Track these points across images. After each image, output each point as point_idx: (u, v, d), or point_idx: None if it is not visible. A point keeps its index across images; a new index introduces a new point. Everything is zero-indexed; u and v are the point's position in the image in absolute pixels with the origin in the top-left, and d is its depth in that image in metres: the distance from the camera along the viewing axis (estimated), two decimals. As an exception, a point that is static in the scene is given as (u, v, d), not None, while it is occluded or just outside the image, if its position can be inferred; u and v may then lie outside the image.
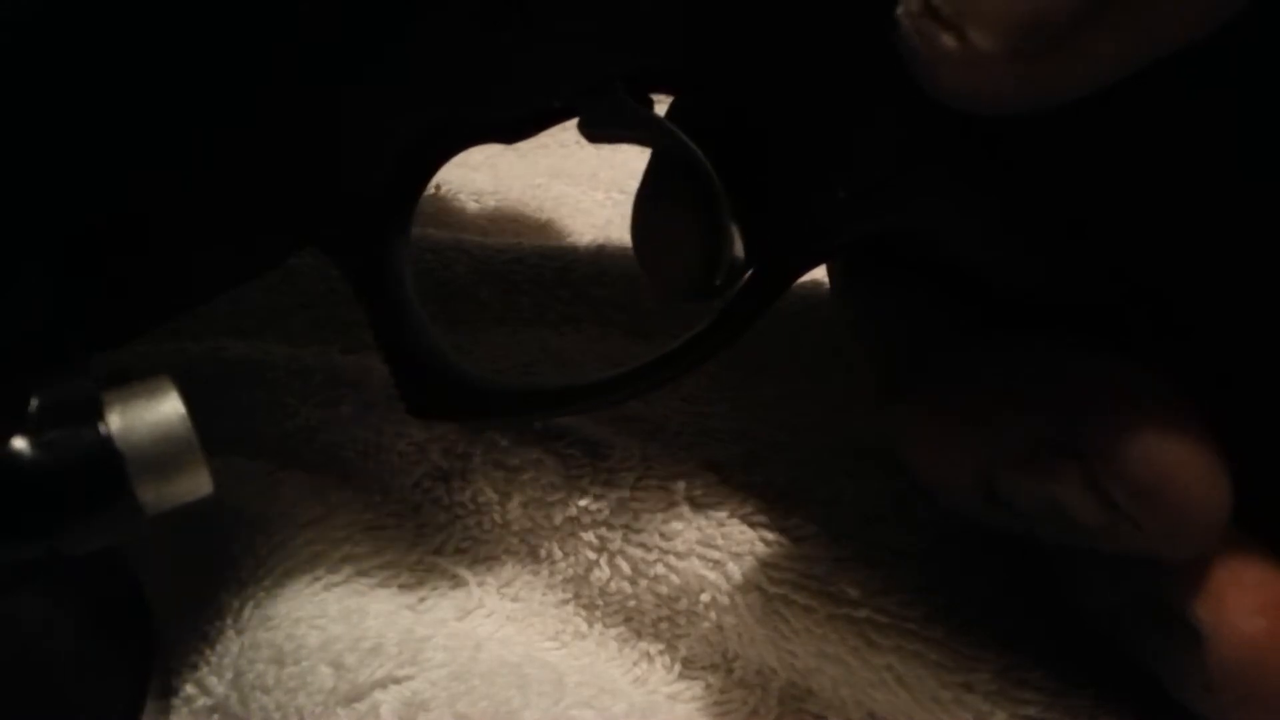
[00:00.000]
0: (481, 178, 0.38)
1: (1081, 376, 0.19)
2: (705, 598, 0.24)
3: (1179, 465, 0.18)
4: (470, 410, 0.24)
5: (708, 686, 0.24)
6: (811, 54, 0.20)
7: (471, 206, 0.38)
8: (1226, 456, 0.18)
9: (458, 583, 0.25)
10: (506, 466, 0.26)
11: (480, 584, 0.25)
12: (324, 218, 0.23)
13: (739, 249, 0.21)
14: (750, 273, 0.22)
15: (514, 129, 0.23)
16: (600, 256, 0.32)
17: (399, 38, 0.21)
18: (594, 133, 0.23)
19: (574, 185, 0.37)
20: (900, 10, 0.17)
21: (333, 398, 0.28)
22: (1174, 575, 0.19)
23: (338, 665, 0.22)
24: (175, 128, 0.21)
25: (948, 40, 0.17)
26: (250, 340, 0.30)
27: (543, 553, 0.26)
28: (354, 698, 0.22)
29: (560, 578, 0.25)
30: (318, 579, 0.24)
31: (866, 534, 0.24)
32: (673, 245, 0.23)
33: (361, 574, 0.25)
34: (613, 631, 0.25)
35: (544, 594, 0.25)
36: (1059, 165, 0.18)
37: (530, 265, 0.32)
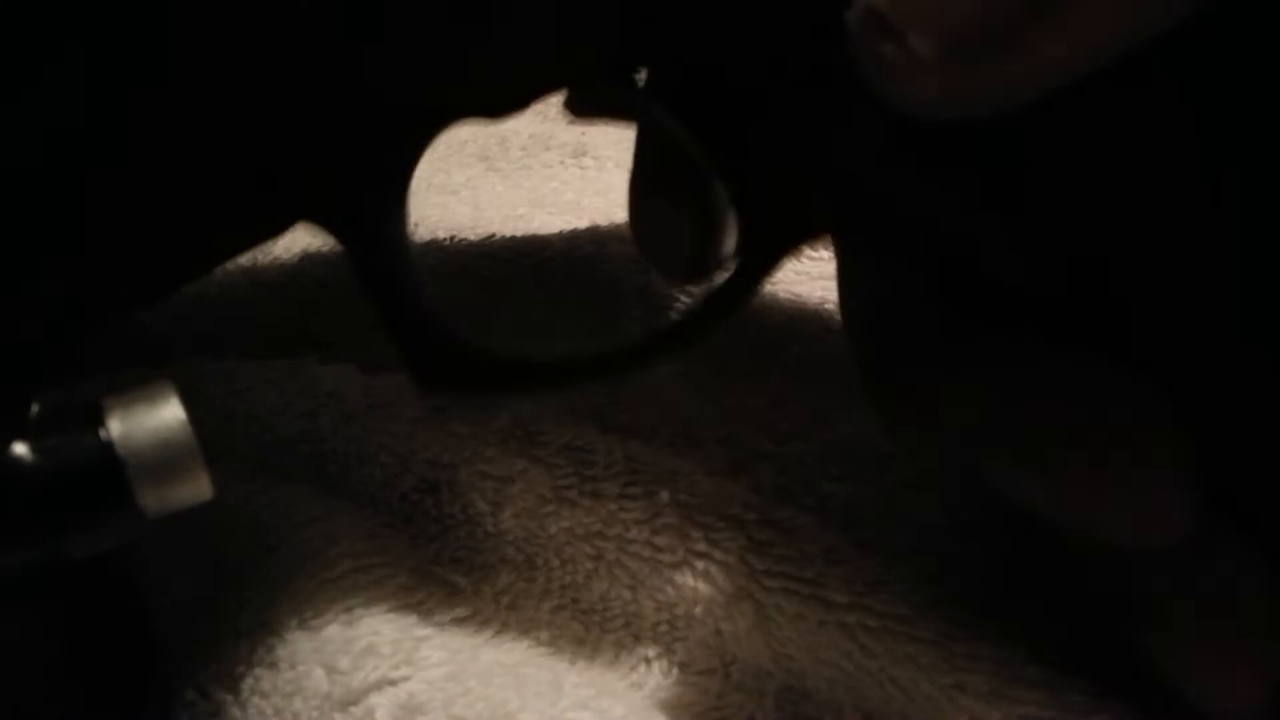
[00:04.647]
0: (461, 209, 0.37)
1: (1045, 375, 0.19)
2: (699, 609, 0.24)
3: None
4: (479, 381, 0.23)
5: (705, 691, 0.24)
6: (789, 50, 0.19)
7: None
8: (1193, 451, 0.18)
9: (454, 590, 0.25)
10: (494, 477, 0.26)
11: (475, 592, 0.25)
12: (320, 191, 0.22)
13: (732, 227, 0.21)
14: (743, 248, 0.22)
15: (503, 106, 0.23)
16: (574, 258, 0.32)
17: (383, 22, 0.21)
18: (580, 110, 0.23)
19: (558, 214, 0.36)
20: (848, 17, 0.17)
21: (310, 409, 0.28)
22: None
23: (331, 669, 0.22)
24: (172, 94, 0.21)
25: (888, 47, 0.17)
26: (224, 358, 0.29)
27: (539, 561, 0.26)
28: (349, 702, 0.22)
29: (557, 584, 0.25)
30: (313, 577, 0.24)
31: (855, 535, 0.24)
32: (667, 233, 0.23)
33: (360, 570, 0.25)
34: (610, 637, 0.25)
35: (539, 600, 0.25)
36: (1033, 157, 0.18)
37: (502, 262, 0.31)
